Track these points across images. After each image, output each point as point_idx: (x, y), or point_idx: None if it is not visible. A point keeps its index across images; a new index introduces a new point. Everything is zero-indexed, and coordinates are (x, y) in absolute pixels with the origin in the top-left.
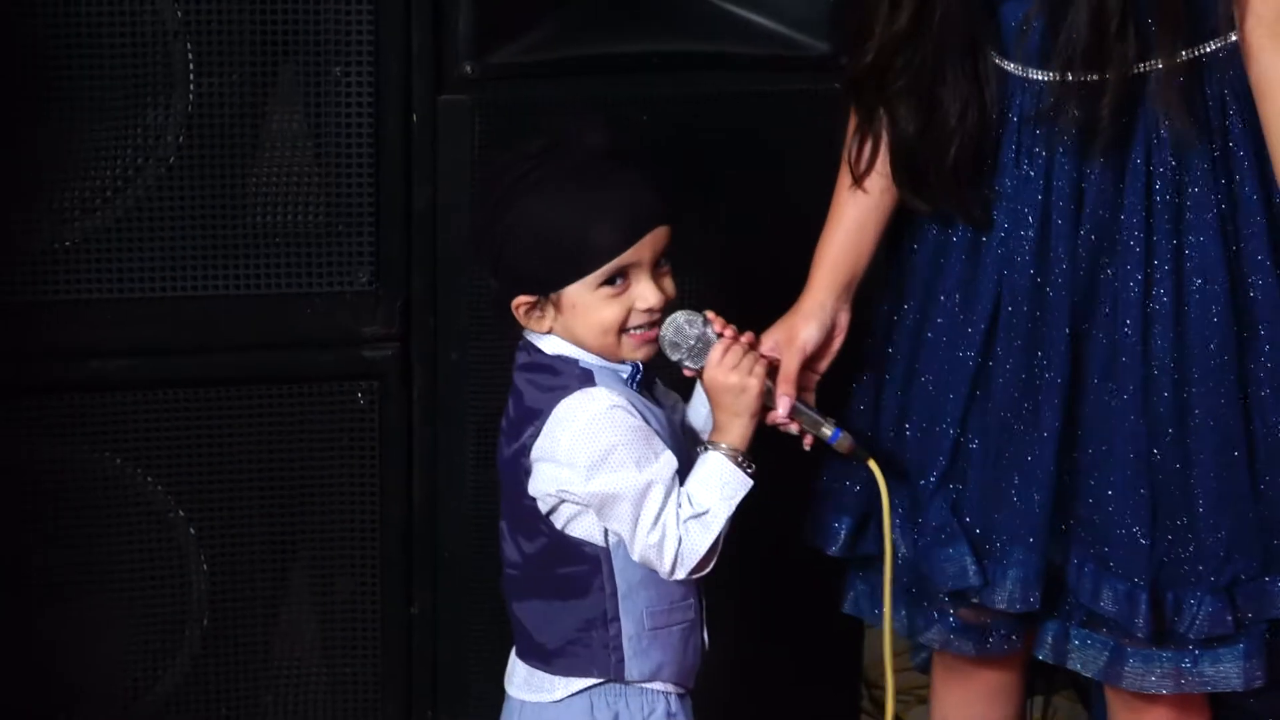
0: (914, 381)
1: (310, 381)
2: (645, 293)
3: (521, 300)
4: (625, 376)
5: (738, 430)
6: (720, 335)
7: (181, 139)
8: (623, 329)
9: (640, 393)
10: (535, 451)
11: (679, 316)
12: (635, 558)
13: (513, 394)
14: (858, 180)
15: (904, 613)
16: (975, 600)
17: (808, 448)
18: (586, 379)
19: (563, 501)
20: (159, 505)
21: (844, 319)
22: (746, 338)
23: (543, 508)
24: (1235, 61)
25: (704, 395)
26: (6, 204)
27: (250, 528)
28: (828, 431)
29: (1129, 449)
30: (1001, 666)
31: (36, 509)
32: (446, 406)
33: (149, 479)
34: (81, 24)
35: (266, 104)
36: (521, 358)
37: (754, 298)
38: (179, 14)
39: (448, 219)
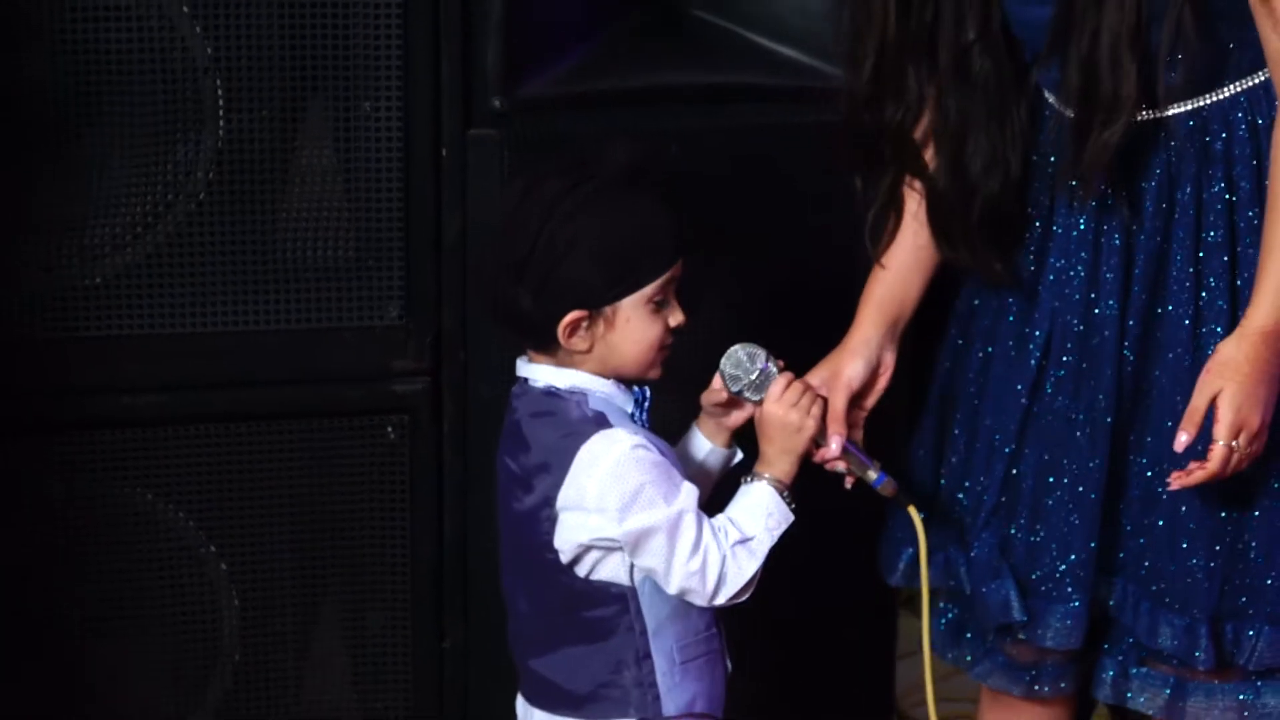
0: (977, 418)
1: (341, 416)
2: (678, 312)
3: (574, 317)
4: (630, 411)
5: (785, 465)
6: (780, 370)
7: (212, 175)
8: (660, 348)
9: (647, 424)
10: (561, 500)
11: (739, 350)
12: (672, 589)
13: (516, 445)
14: (876, 258)
15: (962, 646)
16: (1022, 637)
17: (849, 486)
18: (601, 421)
19: (589, 549)
20: (190, 540)
21: (890, 358)
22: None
23: (564, 559)
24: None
25: (697, 433)
26: (38, 241)
27: (281, 562)
28: (873, 474)
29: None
30: (1050, 701)
31: (69, 545)
32: (477, 440)
33: (180, 514)
34: (111, 61)
35: (296, 139)
36: (524, 405)
37: (782, 327)
38: (209, 50)
39: (478, 253)
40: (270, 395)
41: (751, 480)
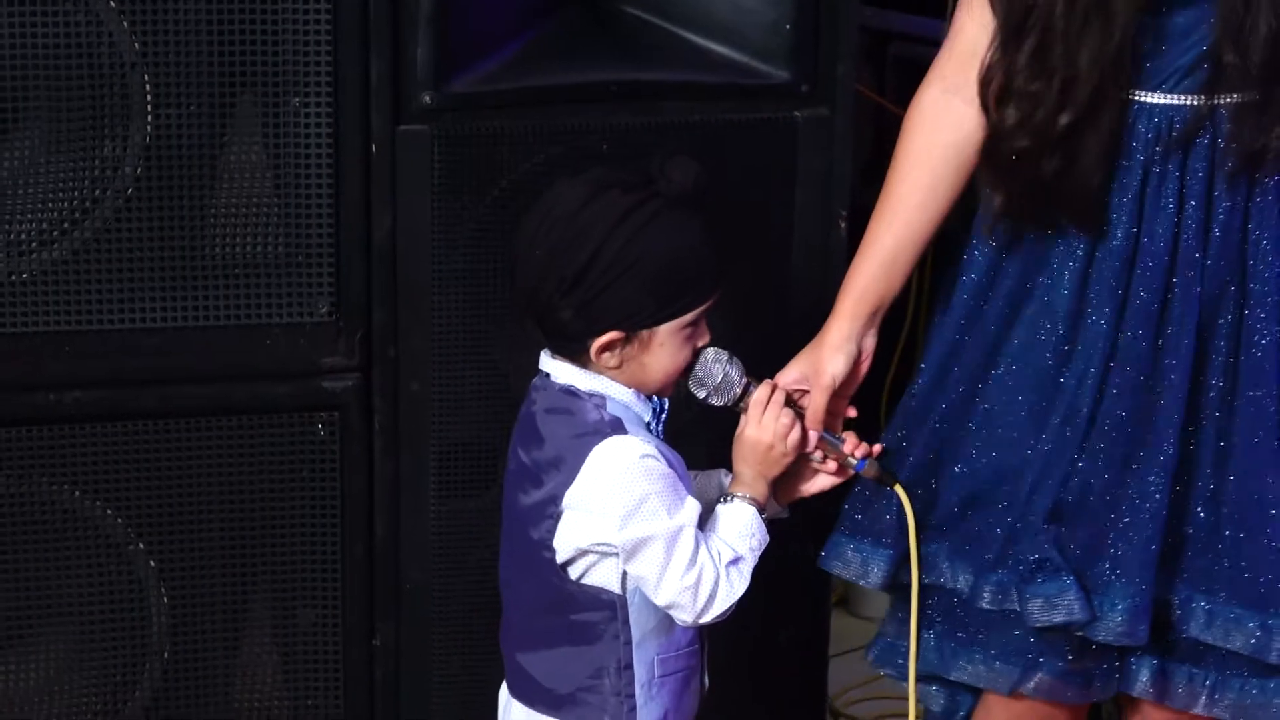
0: (994, 414)
1: (270, 413)
2: (705, 334)
3: (610, 338)
4: (648, 420)
5: (762, 486)
6: (746, 379)
7: (140, 170)
8: (683, 371)
9: (662, 435)
10: (566, 500)
11: (708, 353)
12: (661, 601)
13: (529, 437)
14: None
15: (982, 664)
16: (1080, 634)
17: (833, 474)
18: (617, 426)
19: (586, 553)
20: (119, 538)
21: (869, 344)
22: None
23: (559, 558)
24: None
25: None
26: None
27: (211, 560)
28: (853, 461)
29: (1265, 471)
30: (1069, 707)
31: None
32: (408, 437)
33: (109, 511)
34: (38, 56)
35: (225, 135)
36: (541, 399)
37: (724, 321)
38: (137, 45)
39: (408, 249)
40: (199, 392)
41: (731, 500)
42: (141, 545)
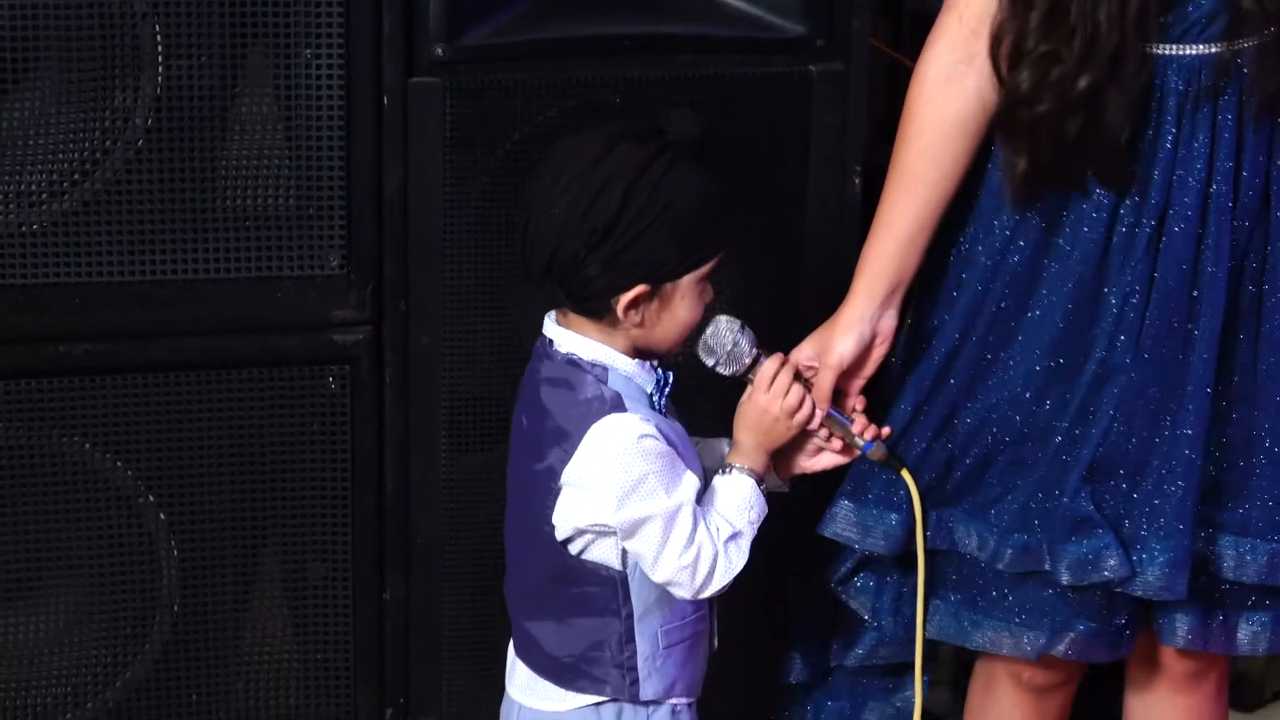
0: (1015, 377)
1: (281, 366)
2: (709, 289)
3: (639, 292)
4: (649, 391)
5: (762, 458)
6: (757, 350)
7: (150, 122)
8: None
9: (664, 407)
10: (565, 476)
11: (721, 320)
12: (659, 578)
13: (532, 405)
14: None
15: (1006, 631)
16: (1119, 590)
17: (838, 453)
18: (616, 403)
19: (584, 531)
20: (129, 490)
21: (887, 325)
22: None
23: (559, 534)
24: None
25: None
26: None
27: (221, 513)
28: (860, 441)
29: None
30: (1068, 688)
31: (4, 494)
32: (418, 391)
33: (119, 464)
34: (49, 5)
35: (236, 87)
36: (545, 368)
37: (731, 279)
38: None
39: (419, 203)
40: (209, 345)
41: (731, 471)
42: (151, 498)
